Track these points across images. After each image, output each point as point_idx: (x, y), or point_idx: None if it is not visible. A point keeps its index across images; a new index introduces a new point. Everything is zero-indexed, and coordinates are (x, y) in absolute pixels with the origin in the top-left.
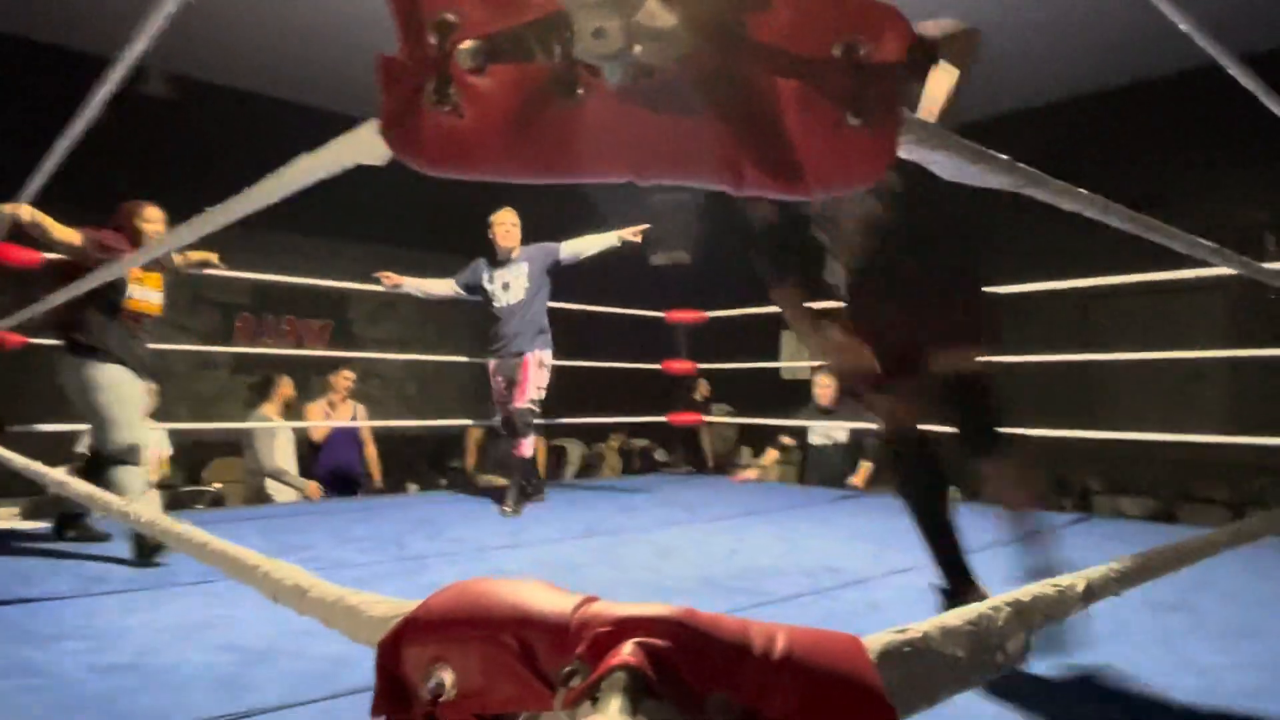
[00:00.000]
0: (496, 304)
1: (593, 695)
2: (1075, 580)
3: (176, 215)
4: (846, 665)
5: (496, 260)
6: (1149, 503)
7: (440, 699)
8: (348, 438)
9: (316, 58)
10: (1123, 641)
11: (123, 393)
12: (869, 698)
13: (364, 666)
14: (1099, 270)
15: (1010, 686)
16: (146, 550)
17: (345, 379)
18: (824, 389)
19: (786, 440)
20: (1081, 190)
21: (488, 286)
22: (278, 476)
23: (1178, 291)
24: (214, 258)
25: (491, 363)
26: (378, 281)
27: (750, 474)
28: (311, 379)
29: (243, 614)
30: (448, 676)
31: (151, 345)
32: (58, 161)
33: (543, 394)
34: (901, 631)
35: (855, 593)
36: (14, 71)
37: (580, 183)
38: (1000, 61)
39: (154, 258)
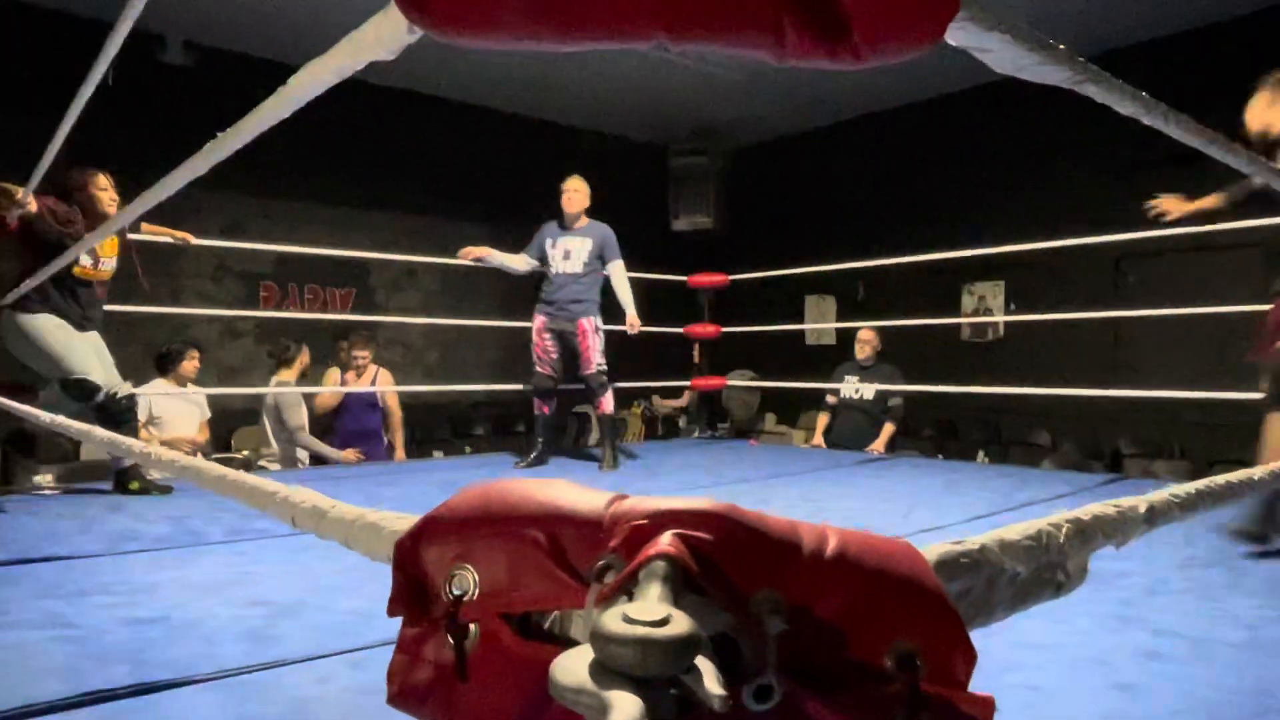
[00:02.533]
0: (555, 268)
1: (628, 589)
2: (1137, 503)
3: (199, 182)
4: (906, 567)
5: (562, 225)
6: (1183, 465)
7: (464, 598)
8: (363, 404)
9: (336, 20)
10: (1163, 594)
11: (60, 336)
12: (931, 601)
13: (388, 619)
14: (1133, 228)
15: (1046, 636)
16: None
17: (358, 356)
18: (865, 345)
19: (832, 399)
20: (1142, 93)
21: (549, 251)
22: (302, 442)
23: (1215, 249)
24: (190, 238)
25: (540, 319)
26: (399, 250)
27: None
28: (333, 346)
29: (270, 570)
30: (471, 576)
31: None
32: (71, 127)
33: (603, 359)
34: (959, 543)
35: None
36: (21, 38)
37: (608, 47)
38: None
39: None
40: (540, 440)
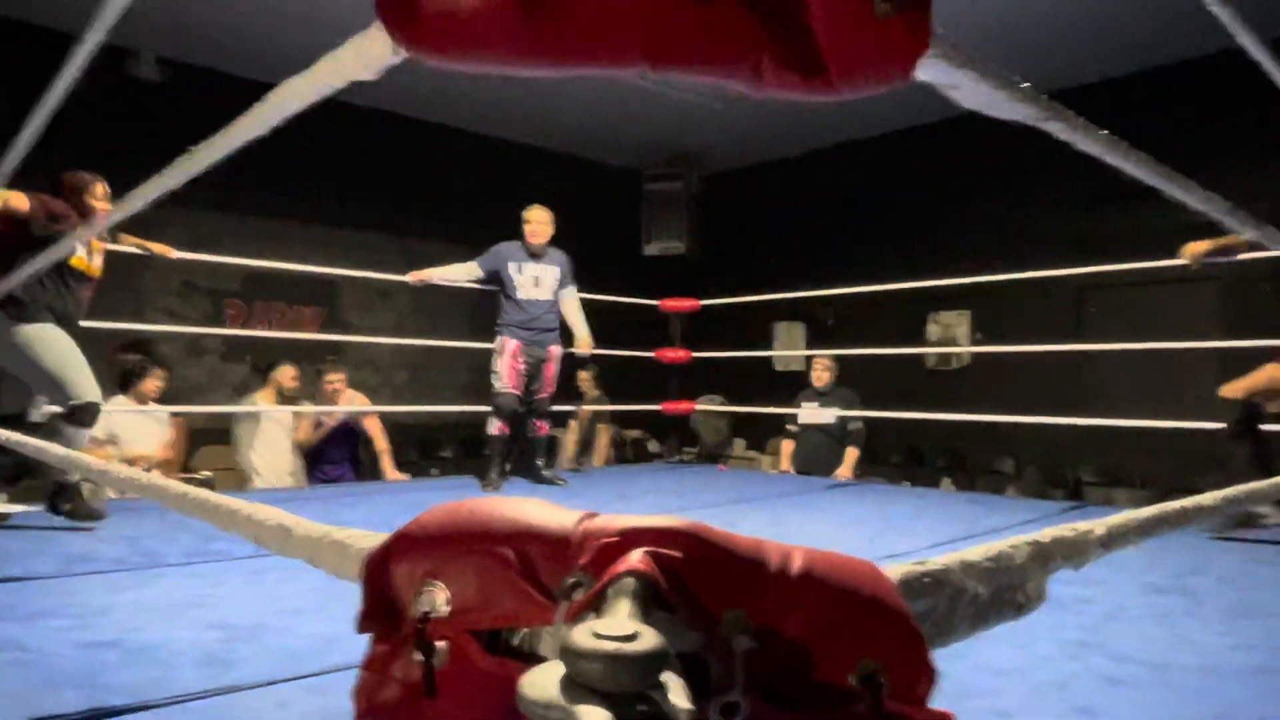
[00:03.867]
0: (522, 295)
1: (598, 605)
2: (1094, 526)
3: (168, 197)
4: (870, 588)
5: (527, 253)
6: (1142, 494)
7: (433, 615)
8: (340, 432)
9: (315, 41)
10: (1122, 620)
11: (67, 353)
12: (895, 620)
13: (354, 642)
14: (1095, 260)
15: (1009, 661)
16: (80, 512)
17: (331, 381)
18: (821, 371)
19: (792, 426)
20: (1103, 130)
21: (515, 277)
22: (249, 469)
23: (1172, 283)
24: (170, 252)
25: (515, 344)
26: (371, 268)
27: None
28: (303, 368)
29: (230, 593)
30: (441, 593)
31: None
32: (32, 138)
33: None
34: (921, 564)
35: None
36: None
37: (590, 72)
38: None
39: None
40: (499, 461)
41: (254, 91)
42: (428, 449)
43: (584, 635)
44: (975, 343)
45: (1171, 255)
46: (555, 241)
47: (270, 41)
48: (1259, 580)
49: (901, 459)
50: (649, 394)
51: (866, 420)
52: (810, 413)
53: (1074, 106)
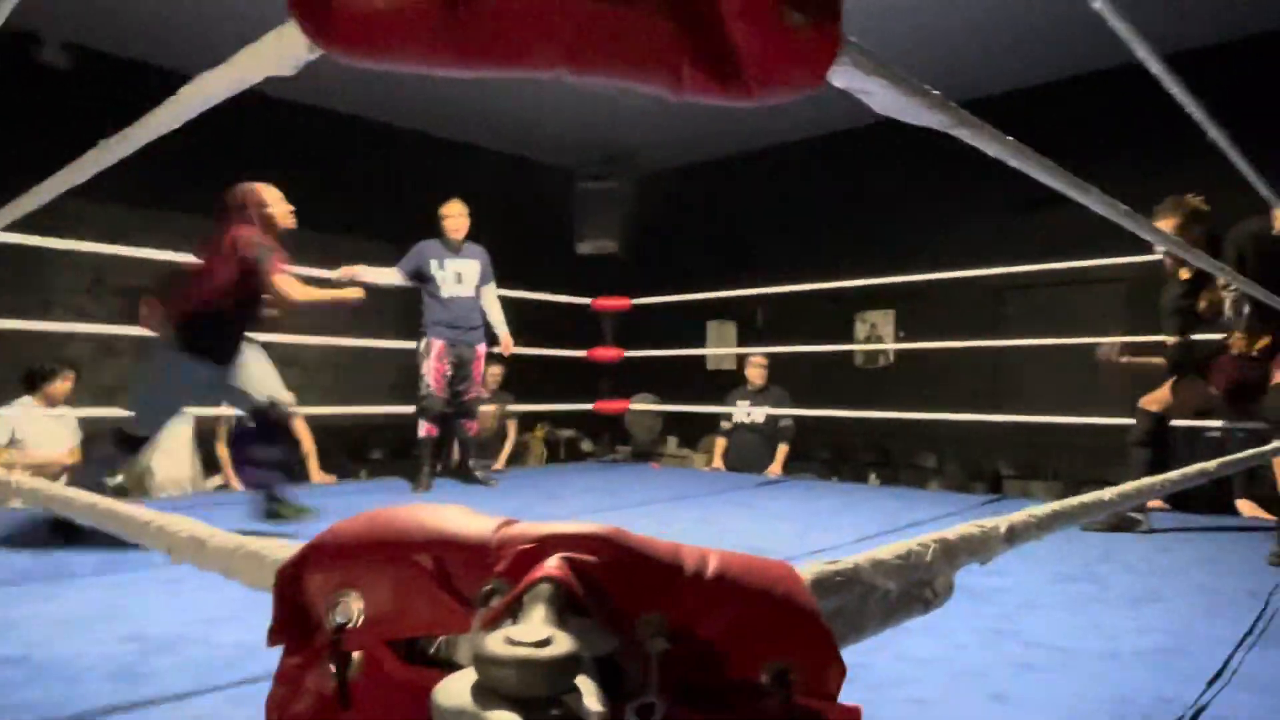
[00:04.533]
0: (446, 292)
1: (514, 612)
2: (999, 523)
3: (77, 190)
4: (782, 588)
5: (448, 249)
6: (1056, 486)
7: (347, 626)
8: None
9: (229, 29)
10: (1035, 609)
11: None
12: (806, 619)
13: (275, 651)
14: (1013, 261)
15: (929, 651)
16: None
17: None
18: (755, 369)
19: (726, 424)
20: (1009, 137)
21: (436, 274)
22: (147, 478)
23: (1085, 283)
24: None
25: (439, 344)
26: (296, 264)
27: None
28: None
29: (146, 604)
30: (356, 603)
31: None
32: None
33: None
34: (833, 563)
35: None
36: None
37: (511, 75)
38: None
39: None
40: (428, 463)
41: (167, 80)
42: (356, 451)
43: (497, 642)
44: (899, 341)
45: (1083, 256)
46: (487, 240)
47: (184, 29)
48: (1159, 568)
49: (829, 455)
50: (582, 393)
51: (796, 417)
52: (743, 410)
53: (986, 114)
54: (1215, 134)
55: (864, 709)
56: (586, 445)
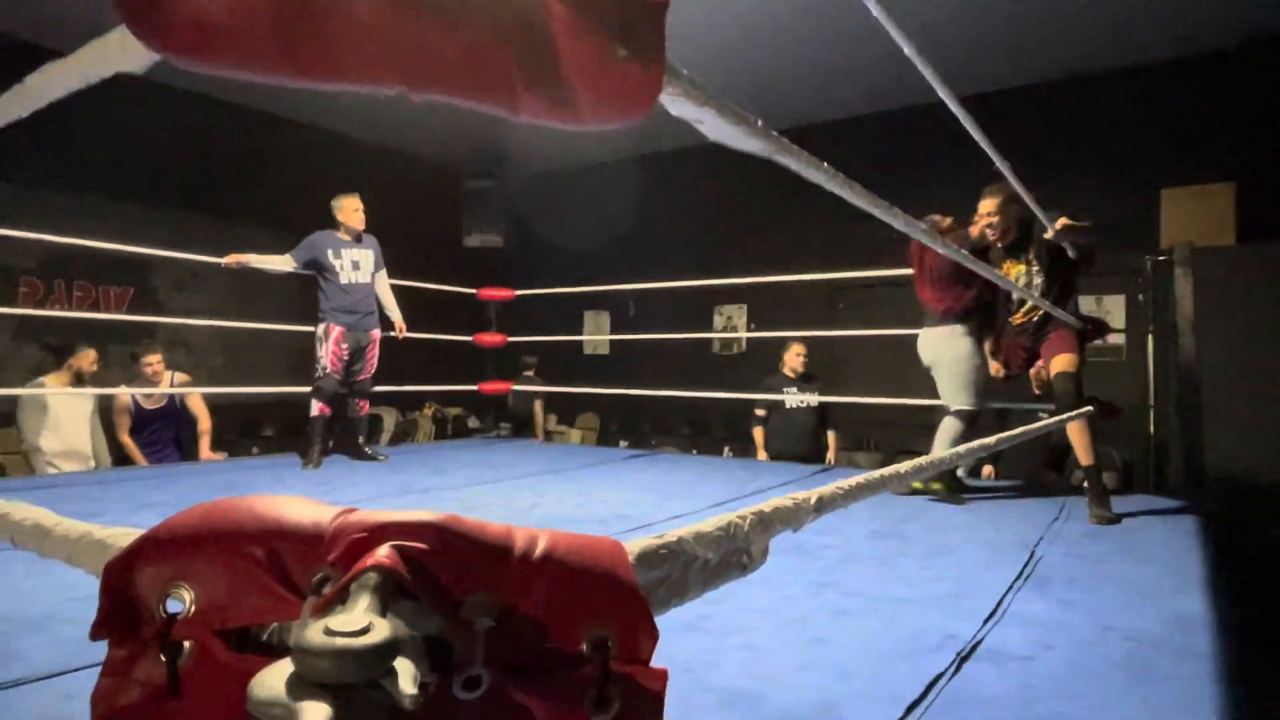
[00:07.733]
0: (344, 279)
1: (343, 599)
2: (809, 495)
3: None
4: (605, 563)
5: (345, 239)
6: (877, 456)
7: (178, 617)
8: (161, 414)
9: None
10: (853, 562)
11: None
12: (624, 591)
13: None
14: (844, 267)
15: (763, 602)
16: None
17: (149, 363)
18: (796, 357)
19: (761, 412)
20: (824, 163)
21: (333, 262)
22: (34, 456)
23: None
24: None
25: (338, 330)
26: (186, 248)
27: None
28: (111, 350)
29: (13, 584)
30: (187, 595)
31: None
32: None
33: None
34: (660, 537)
35: (641, 534)
36: None
37: (348, 89)
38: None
39: None
40: (320, 440)
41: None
42: (249, 429)
43: (315, 632)
44: (750, 331)
45: (898, 265)
46: (379, 232)
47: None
48: (954, 523)
49: (689, 431)
50: (467, 376)
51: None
52: (795, 399)
53: (810, 143)
54: (999, 162)
55: (705, 655)
56: (473, 422)
